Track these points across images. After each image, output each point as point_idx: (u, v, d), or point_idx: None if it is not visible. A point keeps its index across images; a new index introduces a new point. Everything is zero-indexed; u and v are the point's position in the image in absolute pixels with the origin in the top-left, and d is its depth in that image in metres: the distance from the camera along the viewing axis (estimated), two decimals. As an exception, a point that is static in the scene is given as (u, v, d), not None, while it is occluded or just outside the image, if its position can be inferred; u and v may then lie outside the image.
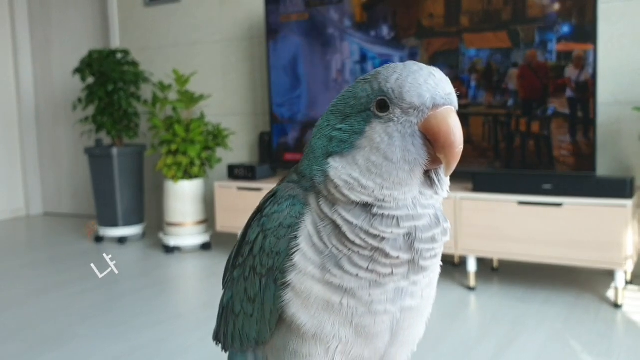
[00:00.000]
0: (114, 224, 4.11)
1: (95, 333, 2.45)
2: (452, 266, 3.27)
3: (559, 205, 2.64)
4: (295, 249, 0.83)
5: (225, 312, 0.99)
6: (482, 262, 3.16)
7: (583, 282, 2.94)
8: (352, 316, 0.83)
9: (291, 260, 0.83)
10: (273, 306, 0.86)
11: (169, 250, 3.78)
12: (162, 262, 3.61)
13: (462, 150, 0.76)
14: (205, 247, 3.86)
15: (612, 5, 2.95)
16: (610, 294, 2.74)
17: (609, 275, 2.93)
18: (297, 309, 0.84)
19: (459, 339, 2.29)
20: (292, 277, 0.83)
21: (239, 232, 1.00)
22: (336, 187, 0.81)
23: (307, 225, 0.83)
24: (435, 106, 0.77)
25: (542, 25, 2.80)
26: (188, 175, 3.79)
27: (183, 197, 3.78)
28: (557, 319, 2.46)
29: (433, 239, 0.82)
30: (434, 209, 0.83)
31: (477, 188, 2.85)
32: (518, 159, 2.90)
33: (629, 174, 2.90)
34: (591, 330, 2.34)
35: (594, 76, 2.69)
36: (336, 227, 0.81)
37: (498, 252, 2.80)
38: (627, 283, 2.86)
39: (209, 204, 4.05)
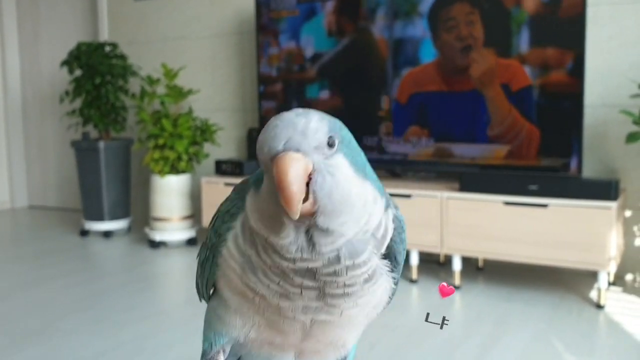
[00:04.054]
0: (99, 217, 4.08)
1: (79, 328, 2.44)
2: (438, 265, 3.28)
3: (544, 206, 2.65)
4: (228, 240, 0.91)
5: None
6: (468, 261, 3.18)
7: (567, 282, 2.96)
8: (264, 311, 0.91)
9: (223, 246, 0.92)
10: (210, 276, 0.98)
11: (154, 245, 3.76)
12: (148, 257, 3.60)
13: (295, 194, 0.74)
14: (191, 242, 3.85)
15: (600, 9, 2.97)
16: (593, 294, 2.77)
17: (593, 276, 2.96)
18: (223, 286, 0.95)
19: (444, 337, 2.30)
20: (220, 260, 0.93)
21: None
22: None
23: (237, 226, 0.90)
24: (273, 156, 0.78)
25: (531, 26, 2.81)
26: (175, 170, 3.77)
27: (169, 192, 3.76)
28: (541, 319, 2.48)
29: (336, 273, 0.83)
30: (335, 252, 0.82)
31: (464, 187, 2.86)
32: (504, 159, 2.91)
33: (614, 176, 2.93)
34: (574, 330, 2.36)
35: (581, 78, 2.71)
36: (254, 239, 0.87)
37: (483, 251, 2.81)
38: (609, 284, 2.89)
39: (195, 199, 4.03)
